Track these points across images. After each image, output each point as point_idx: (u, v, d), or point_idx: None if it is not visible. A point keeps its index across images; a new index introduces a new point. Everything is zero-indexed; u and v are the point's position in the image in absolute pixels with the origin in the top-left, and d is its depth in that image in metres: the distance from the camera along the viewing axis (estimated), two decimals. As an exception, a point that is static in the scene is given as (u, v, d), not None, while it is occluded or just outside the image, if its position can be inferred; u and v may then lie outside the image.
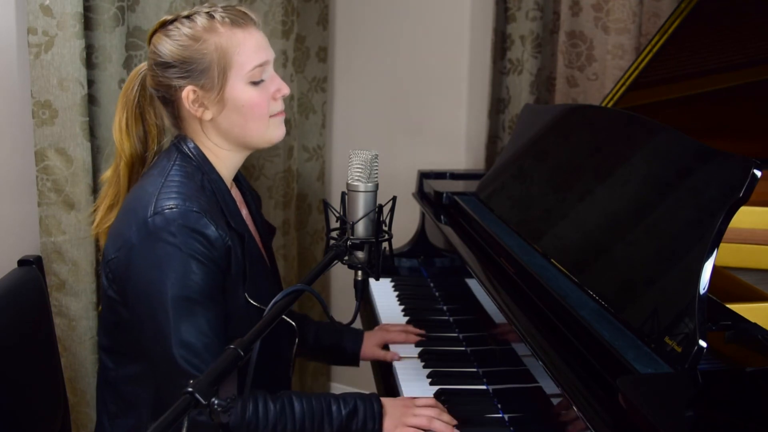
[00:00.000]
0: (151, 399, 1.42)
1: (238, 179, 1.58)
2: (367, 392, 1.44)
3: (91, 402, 1.91)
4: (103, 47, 1.82)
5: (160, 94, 1.43)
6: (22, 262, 1.60)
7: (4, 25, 1.81)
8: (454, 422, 1.40)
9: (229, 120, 1.41)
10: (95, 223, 1.50)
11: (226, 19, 1.39)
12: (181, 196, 1.33)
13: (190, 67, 1.37)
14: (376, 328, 1.85)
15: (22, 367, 1.50)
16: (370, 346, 1.78)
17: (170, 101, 1.43)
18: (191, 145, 1.43)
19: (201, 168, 1.42)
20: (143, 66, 1.46)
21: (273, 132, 1.45)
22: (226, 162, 1.47)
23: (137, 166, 1.48)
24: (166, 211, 1.31)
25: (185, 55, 1.37)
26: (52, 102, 1.77)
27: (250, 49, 1.39)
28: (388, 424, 1.38)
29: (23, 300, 1.54)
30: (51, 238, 1.83)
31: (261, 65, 1.40)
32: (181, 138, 1.45)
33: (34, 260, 1.61)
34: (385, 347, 1.78)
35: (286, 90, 1.44)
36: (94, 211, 1.51)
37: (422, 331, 1.79)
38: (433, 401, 1.45)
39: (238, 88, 1.39)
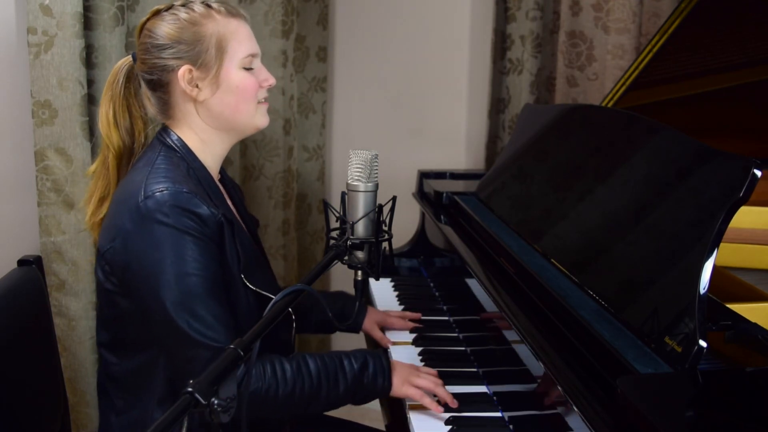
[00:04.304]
0: (158, 387, 1.43)
1: (221, 173, 1.60)
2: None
3: (91, 402, 1.91)
4: (103, 47, 1.82)
5: (153, 77, 1.44)
6: (22, 262, 1.60)
7: (4, 25, 1.81)
8: (454, 399, 1.45)
9: (222, 101, 1.45)
10: (88, 216, 1.52)
11: (222, 9, 1.46)
12: (169, 180, 1.36)
13: (187, 48, 1.41)
14: (379, 310, 1.91)
15: (22, 367, 1.50)
16: (371, 320, 1.84)
17: (162, 84, 1.44)
18: (175, 137, 1.46)
19: (185, 158, 1.45)
20: (126, 60, 1.49)
21: (259, 119, 1.51)
22: (212, 148, 1.49)
23: (125, 158, 1.51)
24: (157, 194, 1.33)
25: (183, 37, 1.42)
26: (51, 102, 1.77)
27: (244, 37, 1.46)
28: (396, 380, 1.44)
29: (23, 300, 1.54)
30: (51, 238, 1.83)
31: (252, 54, 1.47)
32: (164, 131, 1.48)
33: (34, 260, 1.61)
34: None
35: (272, 81, 1.51)
36: (86, 204, 1.53)
37: (419, 315, 1.87)
38: (435, 372, 1.52)
39: (233, 71, 1.45)
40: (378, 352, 1.47)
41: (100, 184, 1.51)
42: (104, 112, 1.48)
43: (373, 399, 1.46)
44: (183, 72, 1.41)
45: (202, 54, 1.42)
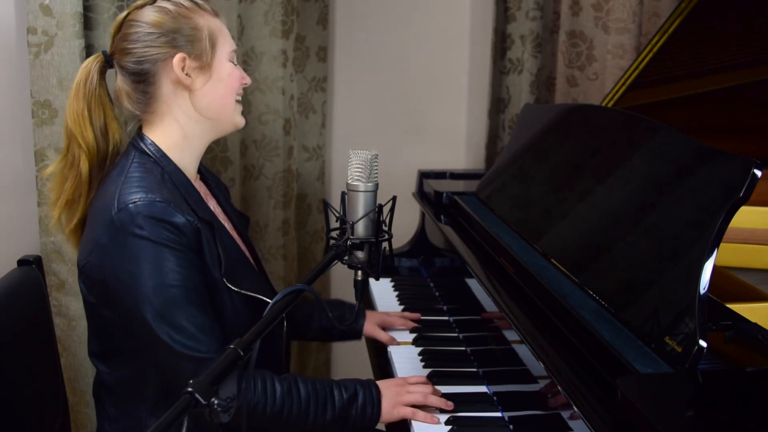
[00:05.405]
0: (150, 397, 1.43)
1: (202, 173, 1.60)
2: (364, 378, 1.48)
3: (91, 402, 1.91)
4: (102, 47, 1.82)
5: (141, 67, 1.42)
6: (22, 262, 1.60)
7: (4, 24, 1.80)
8: (447, 401, 1.45)
9: (213, 91, 1.46)
10: (54, 220, 1.47)
11: (207, 8, 1.48)
12: (143, 189, 1.35)
13: (182, 37, 1.42)
14: (378, 311, 1.92)
15: (22, 367, 1.50)
16: (371, 323, 1.84)
17: (149, 75, 1.43)
18: (148, 141, 1.45)
19: (159, 163, 1.43)
20: (96, 57, 1.45)
21: (238, 117, 1.53)
22: (192, 144, 1.48)
23: (99, 159, 1.46)
24: (131, 205, 1.32)
25: (178, 26, 1.42)
26: (51, 102, 1.77)
27: (227, 35, 1.50)
28: (386, 405, 1.43)
29: (23, 300, 1.54)
30: (51, 238, 1.83)
31: (234, 51, 1.50)
32: (138, 136, 1.47)
33: (34, 260, 1.61)
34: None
35: (248, 80, 1.54)
36: (52, 208, 1.47)
37: (418, 316, 1.88)
38: (424, 379, 1.51)
39: (223, 61, 1.47)
40: (369, 382, 1.46)
41: (68, 186, 1.44)
42: (77, 110, 1.43)
43: (364, 428, 1.44)
44: (177, 59, 1.41)
45: (196, 43, 1.43)
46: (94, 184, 1.45)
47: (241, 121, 1.53)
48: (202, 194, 1.51)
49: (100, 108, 1.45)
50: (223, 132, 1.54)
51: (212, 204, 1.56)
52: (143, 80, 1.43)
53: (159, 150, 1.44)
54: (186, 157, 1.48)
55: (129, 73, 1.43)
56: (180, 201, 1.38)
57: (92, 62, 1.45)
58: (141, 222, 1.31)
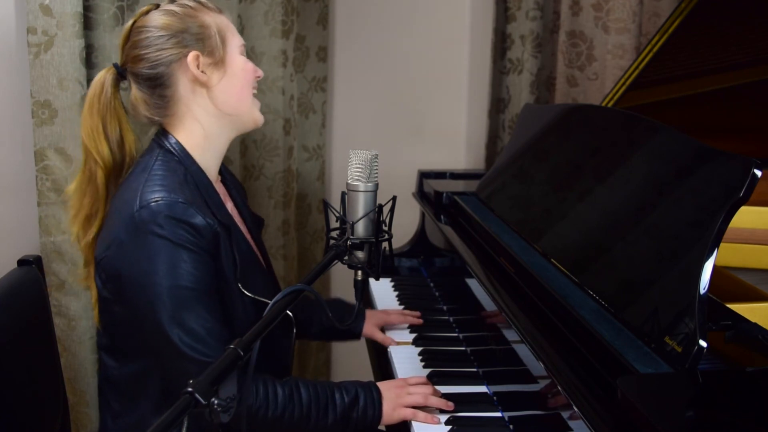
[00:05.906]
0: (154, 394, 1.43)
1: (222, 173, 1.59)
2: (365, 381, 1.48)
3: (91, 402, 1.91)
4: (102, 47, 1.83)
5: (155, 71, 1.42)
6: (21, 262, 1.60)
7: (4, 24, 1.81)
8: (447, 401, 1.45)
9: (230, 85, 1.47)
10: (74, 236, 1.47)
11: (211, 6, 1.50)
12: (165, 189, 1.35)
13: (191, 36, 1.43)
14: (378, 310, 1.91)
15: (22, 367, 1.50)
16: (370, 325, 1.84)
17: (165, 78, 1.43)
18: (173, 141, 1.45)
19: (183, 162, 1.44)
20: (108, 71, 1.45)
21: (257, 113, 1.54)
22: (214, 143, 1.49)
23: (115, 173, 1.46)
24: (152, 204, 1.32)
25: (186, 26, 1.43)
26: (51, 102, 1.77)
27: (234, 31, 1.51)
28: (386, 407, 1.43)
29: (23, 300, 1.54)
30: (51, 238, 1.83)
31: (243, 45, 1.52)
32: (162, 134, 1.46)
33: (34, 260, 1.61)
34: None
35: (261, 72, 1.55)
36: (72, 224, 1.47)
37: (418, 313, 1.88)
38: (424, 379, 1.51)
39: (235, 55, 1.49)
40: (370, 385, 1.46)
41: (86, 201, 1.45)
42: (91, 126, 1.43)
43: (365, 430, 1.44)
44: (191, 57, 1.42)
45: (206, 40, 1.44)
46: (111, 197, 1.45)
47: (260, 118, 1.54)
48: (221, 196, 1.51)
49: (116, 120, 1.45)
50: (243, 128, 1.55)
51: (230, 206, 1.56)
52: (159, 84, 1.43)
53: (183, 149, 1.45)
54: (207, 157, 1.48)
55: (144, 80, 1.43)
56: (201, 203, 1.39)
57: (104, 75, 1.45)
58: (161, 221, 1.31)
